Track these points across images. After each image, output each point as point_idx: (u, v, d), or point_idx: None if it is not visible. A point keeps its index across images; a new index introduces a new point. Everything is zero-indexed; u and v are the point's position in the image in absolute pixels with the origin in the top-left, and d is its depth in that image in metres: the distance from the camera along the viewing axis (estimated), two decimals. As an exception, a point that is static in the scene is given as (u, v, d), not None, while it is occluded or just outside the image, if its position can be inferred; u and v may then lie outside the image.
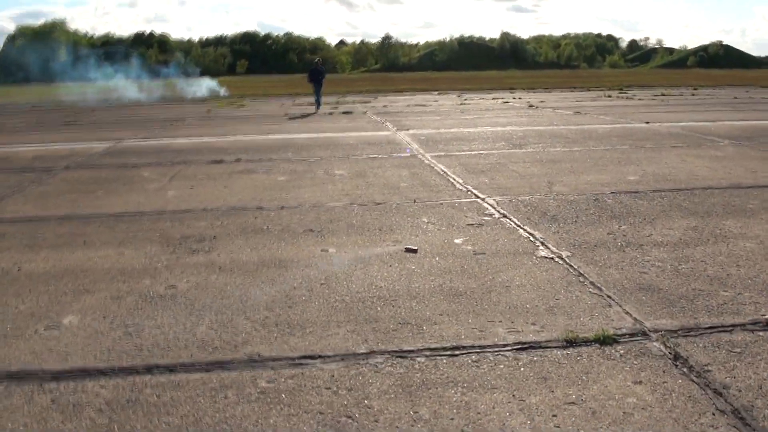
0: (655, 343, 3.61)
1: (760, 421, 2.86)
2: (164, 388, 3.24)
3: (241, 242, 5.76)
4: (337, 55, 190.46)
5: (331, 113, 22.42)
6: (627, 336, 3.71)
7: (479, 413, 2.96)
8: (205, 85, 44.48)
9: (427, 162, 10.23)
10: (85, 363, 3.52)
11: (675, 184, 8.02)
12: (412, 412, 2.97)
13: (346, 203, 7.30)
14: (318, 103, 24.57)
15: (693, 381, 3.20)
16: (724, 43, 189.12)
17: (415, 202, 7.32)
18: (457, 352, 3.55)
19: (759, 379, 3.21)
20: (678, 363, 3.39)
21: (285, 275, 4.84)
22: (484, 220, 6.47)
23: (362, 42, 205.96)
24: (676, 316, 3.99)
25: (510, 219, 6.47)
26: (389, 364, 3.44)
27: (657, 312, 4.05)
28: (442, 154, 11.14)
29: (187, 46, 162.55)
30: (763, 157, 10.15)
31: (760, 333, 3.73)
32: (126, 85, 41.40)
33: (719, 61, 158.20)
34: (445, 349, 3.60)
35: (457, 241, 5.71)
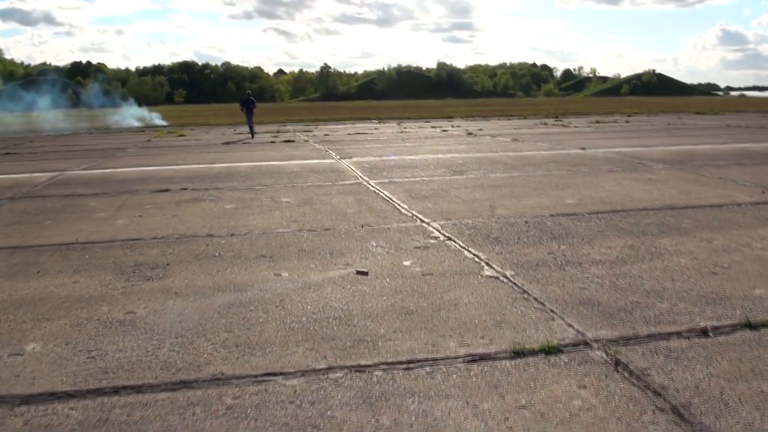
0: (597, 352, 3.90)
1: (698, 416, 3.14)
2: (133, 407, 3.33)
3: (195, 268, 5.85)
4: (276, 83, 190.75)
5: (273, 141, 22.56)
6: (570, 346, 3.99)
7: (436, 419, 3.16)
8: (143, 115, 44.00)
9: (372, 189, 10.48)
10: (53, 387, 3.58)
11: (611, 206, 8.47)
12: (373, 421, 3.15)
13: (295, 229, 7.46)
14: (251, 131, 26.07)
15: (633, 384, 3.48)
16: (657, 71, 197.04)
17: (363, 227, 7.53)
18: (412, 365, 3.76)
19: (695, 380, 3.51)
20: (619, 368, 3.67)
21: (241, 299, 4.97)
22: (430, 242, 6.73)
23: (301, 71, 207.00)
24: (615, 327, 4.29)
25: (455, 241, 6.74)
26: (349, 378, 3.62)
27: (597, 324, 4.35)
28: (386, 180, 11.41)
29: (124, 76, 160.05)
30: (696, 179, 10.78)
31: (696, 340, 4.05)
32: (61, 114, 40.63)
33: (652, 88, 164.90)
34: (400, 363, 3.80)
35: (405, 263, 5.94)
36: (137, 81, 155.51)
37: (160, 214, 8.67)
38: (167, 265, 6.03)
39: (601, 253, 6.16)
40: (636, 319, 4.42)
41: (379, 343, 4.09)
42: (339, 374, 3.66)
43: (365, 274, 5.58)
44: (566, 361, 3.78)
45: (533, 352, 3.90)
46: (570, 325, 4.32)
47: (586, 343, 4.03)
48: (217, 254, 6.36)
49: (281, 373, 3.68)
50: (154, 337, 4.27)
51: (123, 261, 6.23)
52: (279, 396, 3.42)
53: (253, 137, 25.10)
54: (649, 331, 4.19)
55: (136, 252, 6.58)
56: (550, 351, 3.91)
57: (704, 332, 4.15)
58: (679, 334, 4.15)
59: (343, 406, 3.29)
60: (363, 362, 3.81)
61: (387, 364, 3.79)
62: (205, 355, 3.95)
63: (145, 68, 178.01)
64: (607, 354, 3.86)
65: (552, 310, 4.62)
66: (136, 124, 40.28)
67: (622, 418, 3.13)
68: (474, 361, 3.81)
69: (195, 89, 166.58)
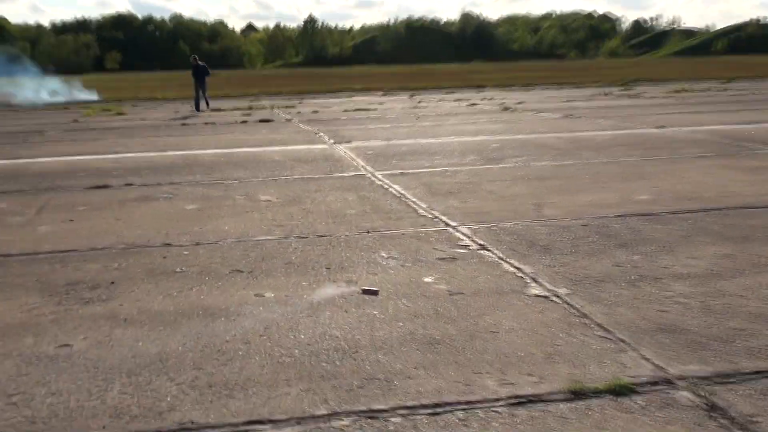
0: (683, 392, 4.01)
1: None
2: (78, 466, 3.47)
3: (150, 288, 5.99)
4: (244, 44, 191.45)
5: (244, 121, 22.80)
6: (647, 385, 4.10)
7: (473, 478, 3.29)
8: (64, 87, 44.23)
9: (378, 182, 10.64)
10: (-40, 442, 3.71)
11: (701, 203, 8.62)
12: (390, 478, 3.28)
13: (280, 236, 7.61)
14: (206, 103, 29.85)
15: (734, 434, 3.59)
16: (766, 20, 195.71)
17: (369, 232, 7.68)
18: (439, 410, 3.88)
19: (821, 430, 3.62)
20: (715, 414, 3.78)
21: (213, 326, 5.11)
22: (458, 252, 6.86)
23: (277, 27, 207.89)
24: (708, 360, 4.40)
25: (491, 251, 6.87)
26: (357, 426, 3.74)
27: (683, 357, 4.46)
28: (397, 172, 11.57)
29: (34, 34, 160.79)
30: (824, 167, 10.92)
31: (820, 378, 4.16)
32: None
33: (759, 44, 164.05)
34: (424, 406, 3.92)
35: (426, 279, 6.07)
36: (53, 41, 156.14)
37: (99, 218, 8.83)
38: (112, 283, 6.17)
39: (687, 265, 6.28)
40: (737, 350, 4.53)
41: (396, 382, 4.21)
42: (345, 422, 3.79)
43: (375, 293, 5.70)
44: (642, 404, 3.90)
45: (597, 393, 4.01)
46: (646, 359, 4.44)
47: (668, 382, 4.14)
48: (178, 269, 6.50)
49: (270, 421, 3.80)
50: (99, 376, 4.40)
51: (51, 279, 6.38)
52: (269, 450, 3.55)
53: (208, 106, 29.80)
54: (756, 367, 4.29)
55: (68, 267, 6.72)
56: (619, 391, 4.02)
57: (830, 367, 4.25)
58: (798, 370, 4.26)
59: (352, 462, 3.42)
60: (375, 406, 3.93)
61: (407, 408, 3.91)
62: (169, 399, 4.07)
63: (64, 24, 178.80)
64: (697, 395, 3.97)
65: (621, 339, 4.74)
66: (53, 99, 40.47)
67: (719, 478, 3.24)
68: (520, 404, 3.93)
69: (134, 52, 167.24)
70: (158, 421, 3.85)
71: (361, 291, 5.76)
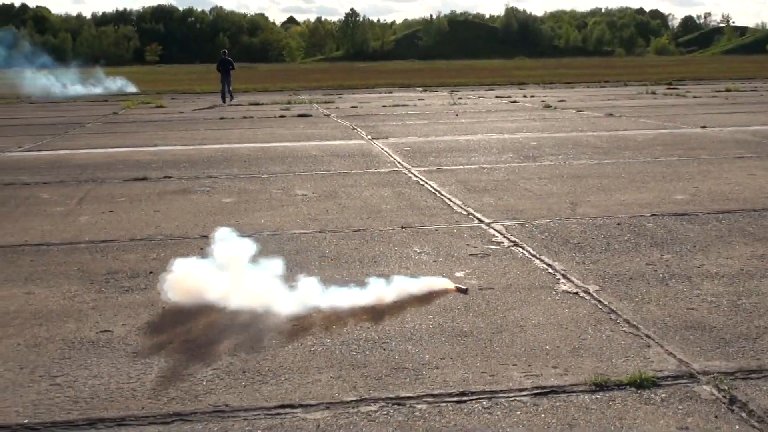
0: (705, 387, 4.15)
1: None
2: (112, 444, 3.70)
3: (187, 277, 6.24)
4: (285, 38, 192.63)
5: (282, 116, 23.10)
6: (670, 379, 4.25)
7: (495, 462, 3.47)
8: (106, 79, 44.91)
9: (414, 179, 10.83)
10: (6, 419, 3.96)
11: (738, 204, 8.71)
12: (408, 461, 3.47)
13: (314, 230, 7.83)
14: (230, 95, 31.71)
15: (753, 426, 3.72)
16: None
17: (402, 228, 7.87)
18: (464, 399, 4.06)
19: (840, 425, 3.75)
20: (735, 407, 3.92)
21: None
22: (490, 249, 7.04)
23: (318, 21, 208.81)
24: (733, 357, 4.54)
25: (523, 248, 7.04)
26: (385, 412, 3.94)
27: (708, 353, 4.60)
28: (434, 168, 11.76)
29: (75, 25, 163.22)
30: None
31: (844, 376, 4.28)
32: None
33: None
34: (450, 395, 4.11)
35: (458, 274, 6.25)
36: (94, 33, 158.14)
37: (138, 210, 9.12)
38: (150, 273, 6.43)
39: (720, 264, 6.40)
40: (762, 348, 4.66)
41: (423, 372, 4.40)
42: (373, 407, 3.98)
43: (465, 291, 5.87)
44: (663, 396, 4.05)
45: (620, 386, 4.17)
46: (671, 354, 4.58)
47: (691, 376, 4.28)
48: (214, 260, 6.74)
49: (300, 405, 4.01)
50: (138, 360, 4.65)
51: (91, 268, 6.65)
52: (298, 431, 3.76)
53: (232, 99, 31.75)
54: (780, 364, 4.43)
55: (108, 257, 7.00)
56: (642, 384, 4.17)
57: None
58: (821, 368, 4.38)
59: (378, 445, 3.61)
60: (403, 394, 4.13)
61: (433, 396, 4.10)
62: (205, 383, 4.30)
63: (104, 15, 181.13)
64: (718, 389, 4.11)
65: (647, 335, 4.89)
66: (96, 90, 41.14)
67: (735, 468, 3.40)
68: (543, 394, 4.10)
69: (174, 44, 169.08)
70: (194, 403, 4.07)
71: (456, 289, 5.90)
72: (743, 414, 3.85)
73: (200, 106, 30.09)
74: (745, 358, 4.51)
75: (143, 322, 5.29)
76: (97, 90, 41.55)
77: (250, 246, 5.86)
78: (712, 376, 4.28)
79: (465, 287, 5.88)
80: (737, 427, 3.73)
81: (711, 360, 4.49)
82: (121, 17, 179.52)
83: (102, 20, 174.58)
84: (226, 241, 5.89)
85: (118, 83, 44.16)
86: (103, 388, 4.28)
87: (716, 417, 3.83)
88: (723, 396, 4.05)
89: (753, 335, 4.87)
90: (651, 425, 3.76)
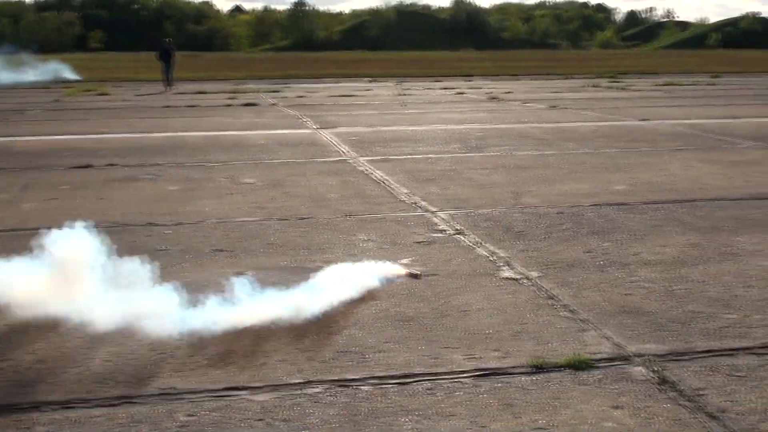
0: (638, 368, 4.32)
1: (765, 443, 3.57)
2: (61, 425, 3.74)
3: (133, 265, 6.26)
4: (232, 26, 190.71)
5: (229, 105, 23.04)
6: (605, 361, 4.41)
7: (436, 440, 3.59)
8: (47, 66, 44.16)
9: (361, 168, 10.93)
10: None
11: (675, 194, 8.96)
12: (352, 444, 3.58)
13: (261, 218, 7.90)
14: (170, 83, 33.66)
15: (682, 405, 3.89)
16: (764, 15, 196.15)
17: (348, 216, 7.97)
18: (407, 380, 4.18)
19: (765, 402, 3.91)
20: (665, 387, 4.09)
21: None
22: (435, 237, 7.17)
23: (266, 10, 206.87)
24: (665, 340, 4.72)
25: (467, 236, 7.18)
26: (330, 393, 4.04)
27: (642, 336, 4.77)
28: (380, 158, 11.87)
29: (15, 10, 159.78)
30: (801, 162, 11.30)
31: (770, 356, 4.49)
32: None
33: (754, 39, 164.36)
34: (393, 377, 4.22)
35: (403, 261, 6.36)
36: (34, 18, 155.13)
37: (82, 197, 9.09)
38: (96, 260, 6.43)
39: (655, 252, 6.61)
40: (693, 331, 4.85)
41: (368, 355, 4.51)
42: (318, 389, 4.08)
43: (417, 276, 5.96)
44: (599, 377, 4.21)
45: (557, 367, 4.32)
46: (606, 337, 4.75)
47: (625, 358, 4.45)
48: (161, 248, 6.77)
49: (246, 388, 4.09)
50: (85, 344, 4.68)
51: (37, 255, 6.63)
52: (244, 413, 3.83)
53: (171, 87, 32.94)
54: (709, 346, 4.61)
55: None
56: (579, 366, 4.32)
57: (783, 348, 4.58)
58: (748, 349, 4.57)
59: (323, 425, 3.70)
60: (348, 376, 4.23)
61: (377, 378, 4.20)
62: (150, 367, 4.36)
63: (46, 1, 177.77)
64: (651, 371, 4.28)
65: (585, 319, 5.05)
66: (35, 77, 40.43)
67: (662, 444, 3.56)
68: (484, 376, 4.23)
69: (119, 31, 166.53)
70: (140, 387, 4.12)
71: (407, 274, 6.00)
72: (673, 393, 4.02)
73: (145, 93, 29.80)
74: (676, 341, 4.69)
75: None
76: (37, 77, 40.80)
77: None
78: (645, 358, 4.45)
79: (417, 272, 6.01)
80: (667, 405, 3.89)
81: (644, 343, 4.67)
82: (63, 3, 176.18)
83: (44, 6, 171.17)
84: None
85: (59, 70, 43.45)
86: (47, 371, 4.32)
87: (648, 396, 3.99)
88: (654, 377, 4.21)
89: (684, 320, 5.05)
90: (586, 405, 3.91)
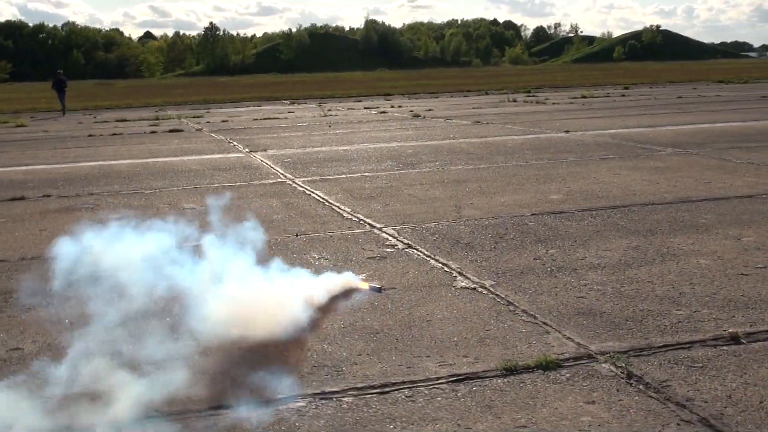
0: (604, 365, 4.52)
1: (733, 427, 3.76)
2: None
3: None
4: (142, 53, 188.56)
5: (153, 132, 22.85)
6: (571, 360, 4.60)
7: (425, 444, 3.72)
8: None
9: (300, 188, 11.02)
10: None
11: (608, 201, 9.27)
12: (347, 451, 3.68)
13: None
14: (63, 110, 37.44)
15: (651, 396, 4.10)
16: (663, 27, 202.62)
17: (297, 236, 8.05)
18: (387, 389, 4.29)
19: (727, 390, 4.15)
20: (632, 381, 4.29)
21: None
22: (386, 252, 7.30)
23: (177, 35, 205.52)
24: (623, 338, 4.94)
25: (417, 249, 7.34)
26: (314, 406, 4.12)
27: (602, 335, 4.99)
28: (317, 178, 11.97)
29: None
30: (718, 165, 11.80)
31: (724, 347, 4.72)
32: None
33: (657, 51, 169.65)
34: (373, 387, 4.33)
35: (359, 276, 6.48)
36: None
37: (22, 229, 8.96)
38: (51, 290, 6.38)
39: (600, 256, 6.86)
40: (648, 328, 5.08)
41: (343, 368, 4.61)
42: (301, 403, 4.16)
43: (378, 290, 6.08)
44: (568, 376, 4.39)
45: (528, 369, 4.49)
46: (569, 338, 4.95)
47: (590, 357, 4.65)
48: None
49: (230, 406, 4.15)
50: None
51: (-11, 288, 6.57)
52: (234, 429, 3.90)
53: (63, 115, 35.98)
54: (666, 341, 4.85)
55: (1, 277, 6.91)
56: (548, 366, 4.51)
57: (734, 339, 4.83)
58: (702, 342, 4.82)
59: (313, 436, 3.80)
60: (328, 389, 4.32)
61: (357, 389, 4.31)
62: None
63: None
64: (616, 366, 4.49)
65: (545, 323, 5.24)
66: None
67: (641, 432, 3.75)
68: (460, 380, 4.37)
69: (25, 61, 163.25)
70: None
71: (368, 287, 6.11)
72: (641, 386, 4.22)
73: (64, 124, 29.32)
74: (634, 339, 4.91)
75: (53, 339, 5.30)
76: None
77: None
78: (608, 355, 4.66)
79: (379, 286, 6.14)
80: (637, 397, 4.10)
81: (605, 341, 4.87)
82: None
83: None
84: None
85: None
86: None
87: (618, 390, 4.19)
88: (621, 372, 4.42)
89: (638, 318, 5.29)
90: (561, 402, 4.08)
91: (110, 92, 64.85)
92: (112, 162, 15.24)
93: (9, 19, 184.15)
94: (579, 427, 3.81)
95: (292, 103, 39.24)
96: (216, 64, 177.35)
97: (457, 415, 3.98)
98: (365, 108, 32.17)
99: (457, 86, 53.41)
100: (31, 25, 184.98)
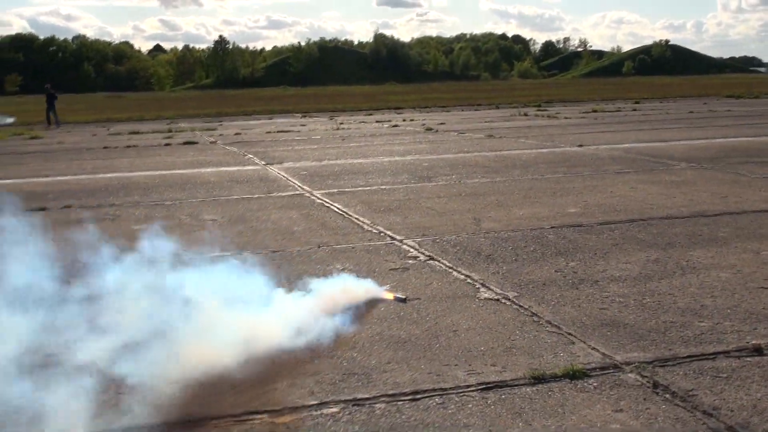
0: (630, 374, 4.62)
1: (759, 435, 3.87)
2: None
3: (121, 301, 6.36)
4: (152, 66, 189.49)
5: (168, 144, 23.04)
6: (598, 370, 4.70)
7: (459, 449, 3.82)
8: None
9: (318, 201, 11.15)
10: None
11: (626, 215, 9.36)
12: (378, 453, 3.79)
13: (234, 252, 8.02)
14: (56, 122, 39.48)
15: (678, 405, 4.19)
16: (672, 42, 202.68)
17: (319, 247, 8.17)
18: (418, 396, 4.39)
19: (752, 399, 4.24)
20: (659, 390, 4.39)
21: (192, 333, 5.53)
22: (408, 263, 7.41)
23: (187, 48, 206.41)
24: (648, 348, 5.03)
25: (439, 261, 7.44)
26: (347, 412, 4.23)
27: (626, 346, 5.08)
28: (335, 190, 12.10)
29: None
30: (734, 180, 11.90)
31: (747, 359, 4.81)
32: None
33: (666, 66, 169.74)
34: (404, 394, 4.43)
35: (383, 288, 6.59)
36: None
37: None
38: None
39: (620, 269, 6.96)
40: (672, 339, 5.18)
41: (373, 375, 4.71)
42: (334, 409, 4.26)
43: (403, 301, 6.19)
44: (595, 385, 4.49)
45: (556, 378, 4.59)
46: (594, 348, 5.04)
47: (615, 366, 4.75)
48: (143, 284, 6.86)
49: (265, 411, 4.26)
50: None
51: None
52: (270, 434, 4.01)
53: (59, 126, 38.08)
54: (690, 352, 4.94)
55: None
56: (575, 376, 4.60)
57: (758, 350, 4.93)
58: (726, 353, 4.91)
59: (349, 441, 3.91)
60: (360, 396, 4.42)
61: (388, 396, 4.41)
62: (163, 398, 4.49)
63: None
64: (642, 376, 4.58)
65: (570, 333, 5.34)
66: None
67: (669, 439, 3.84)
68: (489, 389, 4.47)
69: (36, 74, 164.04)
70: (161, 417, 4.26)
71: (393, 298, 6.23)
72: (667, 395, 4.32)
73: (79, 136, 29.56)
74: (658, 349, 5.01)
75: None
76: None
77: None
78: (634, 365, 4.75)
79: (404, 297, 6.25)
80: (664, 406, 4.19)
81: (630, 352, 4.97)
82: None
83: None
84: None
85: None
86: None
87: (645, 399, 4.28)
88: (647, 381, 4.51)
89: (662, 329, 5.38)
90: (589, 410, 4.18)
91: (121, 105, 65.24)
92: (130, 174, 15.40)
93: (20, 32, 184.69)
94: (609, 434, 3.90)
95: (304, 116, 39.47)
96: (225, 77, 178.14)
97: (488, 421, 4.08)
98: (377, 121, 32.35)
99: (467, 100, 53.59)
100: (41, 38, 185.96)
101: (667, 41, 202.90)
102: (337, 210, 10.32)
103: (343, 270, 7.21)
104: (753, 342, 5.06)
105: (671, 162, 14.25)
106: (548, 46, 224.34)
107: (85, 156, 20.00)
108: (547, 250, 7.73)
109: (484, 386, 4.51)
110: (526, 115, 33.69)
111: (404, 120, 32.51)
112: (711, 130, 21.99)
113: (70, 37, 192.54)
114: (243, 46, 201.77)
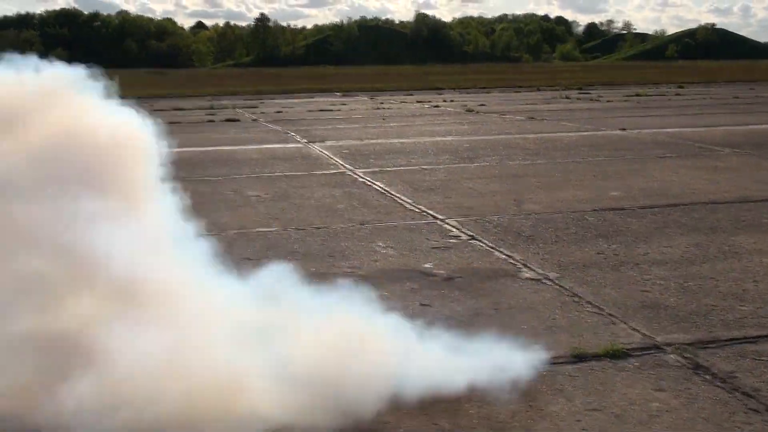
0: (671, 355, 4.68)
1: (800, 417, 3.93)
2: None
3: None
4: (194, 42, 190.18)
5: (210, 121, 23.25)
6: (638, 350, 4.76)
7: (500, 422, 3.91)
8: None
9: (360, 179, 11.26)
10: None
11: (669, 199, 9.38)
12: (432, 424, 3.88)
13: (278, 228, 8.18)
14: None
15: (718, 386, 4.25)
16: (718, 26, 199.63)
17: (362, 225, 8.28)
18: (461, 372, 4.49)
19: (794, 382, 4.31)
20: (699, 371, 4.45)
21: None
22: (450, 242, 7.50)
23: (228, 25, 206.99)
24: (689, 330, 5.09)
25: (480, 241, 7.53)
26: (392, 384, 4.34)
27: (667, 328, 5.14)
28: (377, 170, 12.20)
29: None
30: (778, 167, 11.81)
31: (790, 343, 4.86)
32: None
33: (711, 49, 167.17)
34: (447, 368, 4.53)
35: (426, 265, 6.69)
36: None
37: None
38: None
39: (662, 252, 6.99)
40: (713, 322, 5.23)
41: (418, 350, 4.81)
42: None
43: None
44: (636, 365, 4.56)
45: (597, 357, 4.66)
46: (635, 329, 5.11)
47: (657, 347, 4.81)
48: (190, 257, 7.02)
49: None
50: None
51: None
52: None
53: None
54: (731, 335, 4.99)
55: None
56: (615, 355, 4.67)
57: (799, 336, 4.97)
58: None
59: (394, 411, 4.01)
60: (404, 369, 4.53)
61: (432, 370, 4.51)
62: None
63: (5, 18, 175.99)
64: (683, 357, 4.64)
65: (611, 314, 5.41)
66: None
67: (710, 419, 3.90)
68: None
69: (80, 48, 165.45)
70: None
71: None
72: (707, 376, 4.38)
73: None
74: (700, 331, 5.06)
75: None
76: None
77: None
78: (674, 346, 4.81)
79: None
80: (704, 387, 4.25)
81: (671, 334, 5.03)
82: (22, 21, 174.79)
83: (2, 24, 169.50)
84: None
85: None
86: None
87: (685, 380, 4.35)
88: (688, 363, 4.57)
89: (702, 312, 5.43)
90: (630, 388, 4.25)
91: (164, 81, 65.73)
92: (175, 149, 15.57)
93: (64, 7, 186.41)
94: (649, 413, 3.97)
95: (344, 95, 39.56)
96: (266, 55, 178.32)
97: (530, 397, 4.16)
98: (417, 101, 32.33)
99: (508, 81, 53.23)
100: (86, 13, 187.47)
101: (713, 25, 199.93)
102: (379, 189, 10.42)
103: (386, 248, 7.31)
104: (795, 327, 5.10)
105: (715, 148, 14.16)
106: (591, 28, 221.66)
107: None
108: (588, 233, 7.78)
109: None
110: (567, 98, 33.48)
111: (444, 101, 32.45)
112: (757, 116, 21.75)
113: (113, 13, 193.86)
114: (284, 24, 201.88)
